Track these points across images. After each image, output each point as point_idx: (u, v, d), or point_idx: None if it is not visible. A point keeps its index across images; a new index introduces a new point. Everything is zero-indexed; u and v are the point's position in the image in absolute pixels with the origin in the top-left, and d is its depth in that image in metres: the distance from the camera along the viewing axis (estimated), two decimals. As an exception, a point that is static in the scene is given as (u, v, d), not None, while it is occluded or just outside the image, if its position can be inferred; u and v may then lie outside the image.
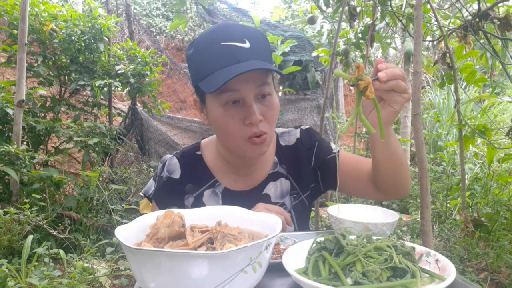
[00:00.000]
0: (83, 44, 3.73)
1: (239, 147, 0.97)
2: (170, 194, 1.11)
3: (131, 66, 4.02)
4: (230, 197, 1.09)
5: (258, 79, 0.90)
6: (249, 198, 1.05)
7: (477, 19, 2.01)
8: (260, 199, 1.04)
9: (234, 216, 0.77)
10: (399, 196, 1.03)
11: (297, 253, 0.72)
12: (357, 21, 3.04)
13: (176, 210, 0.73)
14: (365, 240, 0.68)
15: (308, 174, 1.13)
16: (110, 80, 3.68)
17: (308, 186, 1.13)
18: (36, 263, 2.12)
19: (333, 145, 1.15)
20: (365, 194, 1.10)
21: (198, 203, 1.09)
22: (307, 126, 1.18)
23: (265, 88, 0.92)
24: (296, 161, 1.13)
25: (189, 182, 1.11)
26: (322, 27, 4.09)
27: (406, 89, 0.82)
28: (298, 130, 1.17)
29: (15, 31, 3.24)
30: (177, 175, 1.11)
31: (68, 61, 3.80)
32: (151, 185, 1.18)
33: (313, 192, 1.15)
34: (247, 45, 0.88)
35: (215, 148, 1.12)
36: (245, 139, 0.94)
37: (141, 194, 1.21)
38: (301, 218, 1.13)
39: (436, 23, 2.35)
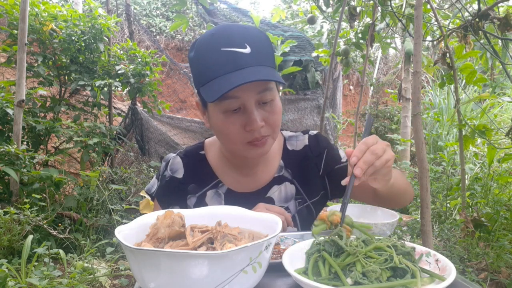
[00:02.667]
0: (83, 44, 3.73)
1: (239, 150, 0.97)
2: (172, 193, 1.10)
3: (131, 66, 4.02)
4: (233, 198, 1.08)
5: (259, 85, 0.89)
6: (252, 200, 1.03)
7: (477, 19, 2.01)
8: (264, 202, 1.03)
9: (234, 216, 0.77)
10: (402, 206, 1.09)
11: (297, 253, 0.72)
12: (357, 21, 3.04)
13: (176, 210, 0.73)
14: (362, 242, 0.68)
15: (316, 181, 1.12)
16: (110, 80, 3.68)
17: (317, 192, 1.13)
18: (36, 263, 2.12)
19: (341, 153, 1.14)
20: (368, 202, 1.12)
21: (201, 203, 1.08)
22: (315, 132, 1.17)
23: (266, 94, 0.91)
24: (302, 167, 1.12)
25: (192, 182, 1.10)
26: (322, 27, 4.10)
27: (385, 162, 0.78)
28: (307, 136, 1.15)
29: (15, 31, 3.24)
30: (180, 174, 1.11)
31: (68, 61, 3.79)
32: (154, 183, 1.18)
33: (321, 198, 1.14)
34: (247, 50, 0.87)
35: (219, 148, 1.12)
36: (245, 144, 0.94)
37: (143, 192, 1.20)
38: (305, 223, 1.12)
39: (436, 23, 2.35)
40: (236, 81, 0.83)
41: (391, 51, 8.90)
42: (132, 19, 4.78)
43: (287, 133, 1.18)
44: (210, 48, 0.88)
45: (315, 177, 1.12)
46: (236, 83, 0.82)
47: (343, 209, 0.75)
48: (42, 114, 3.71)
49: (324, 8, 3.32)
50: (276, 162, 1.12)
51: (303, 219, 1.11)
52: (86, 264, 2.33)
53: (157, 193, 1.14)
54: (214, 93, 0.85)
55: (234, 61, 0.86)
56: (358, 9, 2.98)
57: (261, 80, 0.85)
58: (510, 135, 2.07)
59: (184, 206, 1.10)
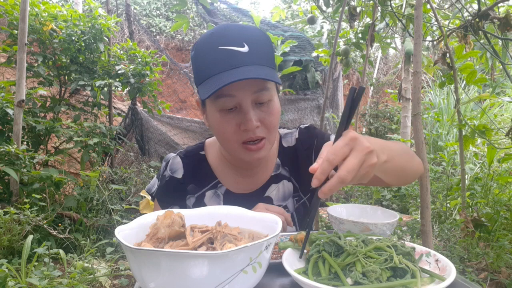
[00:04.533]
0: (83, 44, 3.73)
1: (236, 151, 0.96)
2: (172, 193, 1.10)
3: (131, 66, 4.02)
4: (231, 199, 1.08)
5: (255, 85, 0.88)
6: (251, 200, 1.03)
7: (477, 19, 2.01)
8: (262, 202, 1.03)
9: (234, 216, 0.77)
10: (413, 180, 0.99)
11: (297, 253, 0.72)
12: (357, 21, 3.04)
13: (176, 210, 0.73)
14: (362, 242, 0.68)
15: (309, 174, 1.10)
16: (110, 80, 3.68)
17: (309, 187, 1.11)
18: (36, 263, 2.12)
19: (333, 138, 1.08)
20: (372, 184, 1.04)
21: (200, 203, 1.08)
22: (307, 124, 1.15)
23: (263, 94, 0.90)
24: (297, 163, 1.11)
25: (191, 182, 1.10)
26: (322, 27, 4.09)
27: (360, 179, 0.65)
28: (298, 130, 1.14)
29: (15, 31, 3.24)
30: (179, 174, 1.11)
31: (68, 61, 3.80)
32: (154, 183, 1.17)
33: (313, 193, 1.12)
34: (245, 49, 0.86)
35: (218, 148, 1.11)
36: (241, 144, 0.93)
37: (143, 192, 1.19)
38: (303, 221, 1.11)
39: (436, 23, 2.35)
40: (228, 79, 0.83)
41: (391, 51, 8.91)
42: (132, 19, 4.78)
43: (283, 131, 1.17)
44: (209, 46, 0.88)
45: (308, 171, 1.09)
46: (228, 81, 0.82)
47: (308, 228, 0.71)
48: (42, 114, 3.71)
49: (324, 8, 3.32)
50: (273, 160, 1.12)
51: (301, 217, 1.11)
52: (86, 264, 2.33)
53: (157, 193, 1.14)
54: (207, 91, 0.85)
55: (230, 60, 0.85)
56: (358, 9, 2.99)
57: (253, 78, 0.83)
58: (510, 135, 2.07)
59: (184, 206, 1.10)
